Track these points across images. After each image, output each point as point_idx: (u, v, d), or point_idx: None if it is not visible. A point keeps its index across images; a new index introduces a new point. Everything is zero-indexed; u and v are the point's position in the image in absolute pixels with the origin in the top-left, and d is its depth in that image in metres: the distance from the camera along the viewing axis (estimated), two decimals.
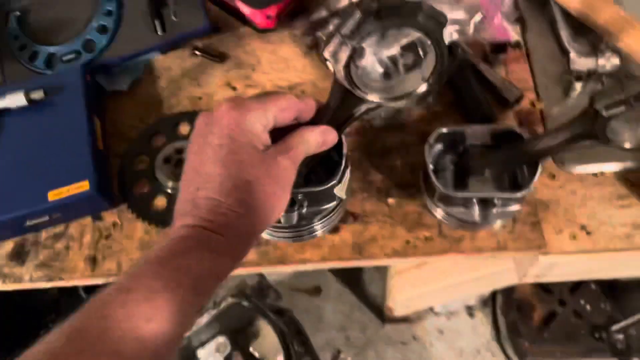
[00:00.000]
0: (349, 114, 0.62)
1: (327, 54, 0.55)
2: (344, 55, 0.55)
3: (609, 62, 0.84)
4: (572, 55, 0.86)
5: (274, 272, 0.76)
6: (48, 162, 0.82)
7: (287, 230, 0.76)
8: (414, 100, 0.63)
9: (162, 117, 0.91)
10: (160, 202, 0.85)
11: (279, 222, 0.71)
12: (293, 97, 0.57)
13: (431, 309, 1.87)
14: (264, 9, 0.93)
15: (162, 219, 0.83)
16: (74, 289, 1.72)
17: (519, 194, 0.72)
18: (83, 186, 0.79)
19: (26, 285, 0.82)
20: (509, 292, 1.78)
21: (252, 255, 0.80)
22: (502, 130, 0.76)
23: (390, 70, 0.65)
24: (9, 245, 0.84)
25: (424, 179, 0.79)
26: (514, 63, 0.91)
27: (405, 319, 1.86)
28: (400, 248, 0.79)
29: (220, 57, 0.96)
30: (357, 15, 0.53)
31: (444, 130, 0.76)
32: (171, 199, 0.84)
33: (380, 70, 0.64)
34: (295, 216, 0.71)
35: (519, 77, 0.90)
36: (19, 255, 0.83)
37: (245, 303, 1.61)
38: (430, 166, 0.74)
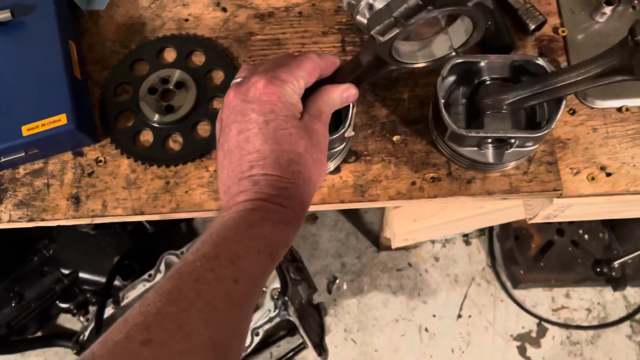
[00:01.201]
0: (374, 73, 0.62)
1: (374, 32, 0.55)
2: (391, 33, 0.54)
3: None
4: None
5: None
6: (20, 93, 0.74)
7: None
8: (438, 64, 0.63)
9: (145, 42, 0.83)
10: (145, 136, 0.78)
11: None
12: (316, 56, 0.57)
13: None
14: None
15: (148, 155, 0.77)
16: None
17: (538, 134, 0.66)
18: (60, 120, 0.72)
19: (5, 225, 0.77)
20: None
21: None
22: (522, 62, 0.69)
23: None
24: None
25: (433, 114, 0.73)
26: None
27: (401, 247, 1.85)
28: (405, 190, 0.74)
29: None
30: (414, 1, 0.52)
31: (459, 60, 0.68)
32: (157, 133, 0.78)
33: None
34: None
35: None
36: None
37: None
38: (442, 101, 0.67)
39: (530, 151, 0.70)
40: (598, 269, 1.45)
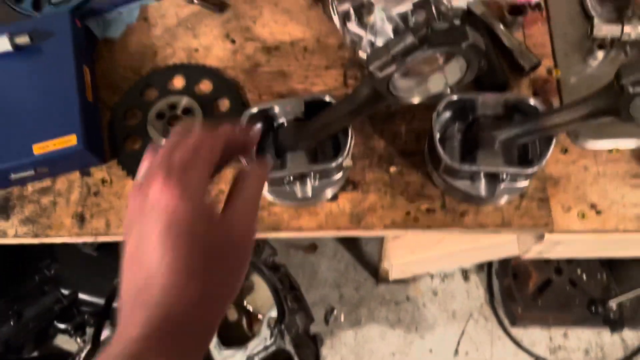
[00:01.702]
0: (372, 106, 0.64)
1: (373, 68, 0.57)
2: (389, 69, 0.57)
3: (635, 30, 0.79)
4: (596, 20, 0.80)
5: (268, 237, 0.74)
6: (34, 114, 0.77)
7: (296, 200, 0.75)
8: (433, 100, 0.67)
9: (156, 69, 0.86)
10: None
11: (293, 193, 0.74)
12: (226, 135, 0.49)
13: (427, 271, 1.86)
14: None
15: None
16: None
17: (529, 170, 0.68)
18: (70, 140, 0.75)
19: (11, 241, 0.79)
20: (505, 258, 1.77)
21: None
22: (515, 101, 0.72)
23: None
24: None
25: (429, 147, 0.75)
26: (533, 26, 0.85)
27: (399, 279, 1.85)
28: (399, 219, 0.76)
29: (219, 7, 0.90)
30: (410, 39, 0.55)
31: (454, 97, 0.71)
32: None
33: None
34: (309, 189, 0.74)
35: (537, 41, 0.84)
36: (3, 210, 0.80)
37: None
38: (437, 135, 0.70)
39: (522, 187, 0.73)
40: (593, 309, 1.45)
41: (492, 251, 1.06)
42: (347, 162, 0.72)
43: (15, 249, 1.85)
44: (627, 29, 0.79)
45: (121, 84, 0.86)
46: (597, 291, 1.67)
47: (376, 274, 1.88)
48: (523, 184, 0.72)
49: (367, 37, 0.82)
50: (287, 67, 0.85)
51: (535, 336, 1.79)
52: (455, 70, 0.63)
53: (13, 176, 0.77)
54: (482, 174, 0.70)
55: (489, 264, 1.86)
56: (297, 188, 0.73)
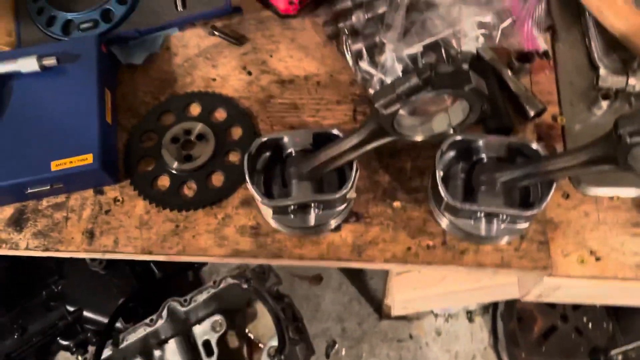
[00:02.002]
0: (377, 141, 0.67)
1: (378, 105, 0.60)
2: (393, 107, 0.60)
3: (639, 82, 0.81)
4: (602, 71, 0.83)
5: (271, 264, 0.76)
6: (54, 131, 0.81)
7: (300, 229, 0.77)
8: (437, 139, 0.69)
9: (174, 96, 0.90)
10: (163, 181, 0.84)
11: (297, 222, 0.76)
12: None
13: (431, 310, 1.85)
14: None
15: (163, 199, 0.82)
16: None
17: (528, 213, 0.70)
18: (87, 159, 0.78)
19: (22, 253, 0.82)
20: (511, 300, 1.76)
21: (249, 244, 0.79)
22: (518, 144, 0.74)
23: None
24: (9, 210, 0.83)
25: (432, 185, 0.77)
26: (540, 73, 0.87)
27: (403, 316, 1.84)
28: (400, 254, 0.77)
29: (238, 40, 0.93)
30: (414, 80, 0.58)
31: (458, 137, 0.73)
32: (174, 179, 0.83)
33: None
34: (312, 218, 0.75)
35: (543, 88, 0.86)
36: (17, 222, 0.83)
37: (244, 285, 1.60)
38: (440, 174, 0.72)
39: (522, 229, 0.74)
40: (595, 359, 1.43)
41: (493, 292, 1.06)
42: (351, 194, 0.74)
43: (26, 263, 1.88)
44: (632, 80, 0.81)
45: (140, 108, 0.89)
46: (602, 340, 1.64)
47: (380, 309, 1.87)
48: (523, 225, 0.73)
49: (377, 75, 0.85)
50: (299, 100, 0.88)
51: None
52: (458, 111, 0.66)
53: (29, 190, 0.80)
54: (482, 214, 0.72)
55: (495, 306, 1.85)
56: (301, 217, 0.75)
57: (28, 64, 0.83)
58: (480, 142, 0.74)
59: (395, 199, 0.80)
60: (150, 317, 1.68)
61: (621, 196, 0.78)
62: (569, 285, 0.78)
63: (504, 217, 0.71)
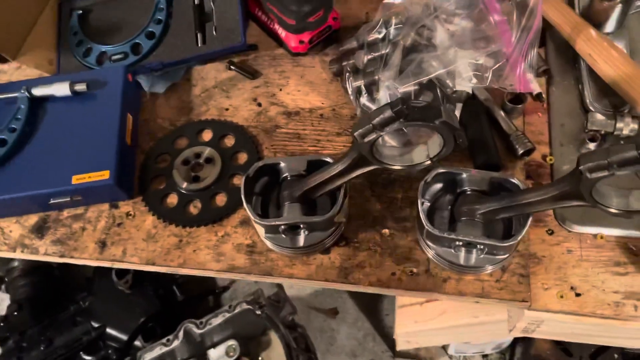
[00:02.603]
0: (359, 169, 0.72)
1: (356, 134, 0.66)
2: (371, 137, 0.66)
3: (627, 127, 0.84)
4: (591, 114, 0.86)
5: (281, 283, 0.80)
6: (78, 149, 0.89)
7: (290, 248, 0.82)
8: (417, 170, 0.74)
9: (189, 122, 0.98)
10: (172, 199, 0.91)
11: (288, 242, 0.80)
12: None
13: (446, 351, 1.84)
14: (298, 35, 0.99)
15: (170, 216, 0.89)
16: (108, 271, 1.82)
17: (503, 244, 0.73)
18: (103, 175, 0.86)
19: (40, 258, 0.90)
20: (527, 346, 1.73)
21: (244, 261, 0.84)
22: (500, 179, 0.77)
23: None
24: (33, 218, 0.92)
25: (417, 214, 0.81)
26: (533, 114, 0.91)
27: (416, 357, 1.83)
28: (385, 279, 0.81)
29: (252, 74, 1.01)
30: (387, 112, 0.63)
31: (441, 170, 0.78)
32: (182, 197, 0.90)
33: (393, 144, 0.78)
34: (302, 239, 0.80)
35: (535, 129, 0.90)
36: (39, 229, 0.91)
37: (258, 312, 1.65)
38: (421, 202, 0.76)
39: (502, 260, 0.76)
40: None
41: (491, 329, 1.07)
42: (339, 217, 0.79)
43: (58, 278, 1.98)
44: (620, 124, 0.84)
45: (158, 132, 0.98)
46: None
47: (394, 347, 1.87)
48: (502, 257, 0.76)
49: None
50: (302, 130, 0.95)
51: None
52: (436, 144, 0.70)
53: (52, 201, 0.89)
54: (459, 243, 0.75)
55: (511, 352, 1.82)
56: (291, 237, 0.81)
57: (61, 89, 0.93)
58: (464, 175, 0.78)
59: (384, 227, 0.85)
60: (167, 337, 1.75)
61: (605, 235, 0.80)
62: (550, 320, 0.79)
63: (482, 247, 0.74)
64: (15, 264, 1.93)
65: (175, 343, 1.71)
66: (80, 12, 1.06)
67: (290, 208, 0.80)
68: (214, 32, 1.00)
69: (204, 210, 0.89)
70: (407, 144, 0.77)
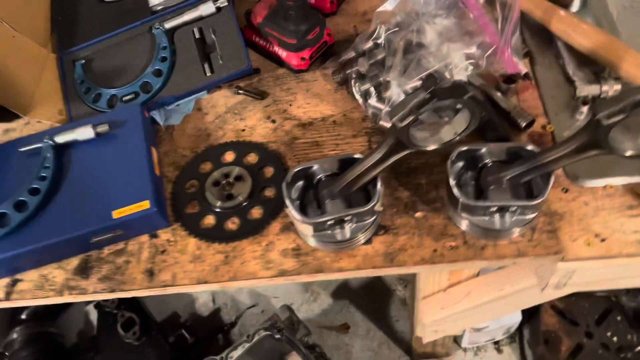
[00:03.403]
0: (395, 155, 0.78)
1: (395, 119, 0.73)
2: (407, 120, 0.72)
3: (612, 88, 0.94)
4: (578, 83, 0.96)
5: (313, 280, 0.83)
6: (112, 186, 0.92)
7: (336, 243, 0.87)
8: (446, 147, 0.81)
9: (210, 147, 1.02)
10: (209, 220, 0.95)
11: (334, 237, 0.85)
12: None
13: (459, 345, 1.89)
14: (299, 52, 1.06)
15: (211, 235, 0.92)
16: (113, 326, 1.80)
17: (534, 202, 0.80)
18: (144, 205, 0.89)
19: (90, 297, 0.91)
20: (535, 325, 1.81)
21: (292, 264, 0.88)
22: (516, 148, 0.85)
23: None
24: (75, 261, 0.93)
25: (447, 193, 0.88)
26: (525, 92, 1.01)
27: (433, 355, 1.88)
28: (428, 256, 0.87)
29: (260, 95, 1.07)
30: (422, 95, 0.71)
31: (463, 148, 0.85)
32: (219, 216, 0.94)
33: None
34: (348, 231, 0.86)
35: (530, 104, 0.99)
36: (83, 270, 0.92)
37: (277, 335, 1.66)
38: (452, 180, 0.83)
39: (531, 219, 0.84)
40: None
41: (518, 299, 1.13)
42: (378, 207, 0.85)
43: (61, 345, 1.93)
44: (605, 87, 0.94)
45: (181, 161, 1.02)
46: (630, 353, 1.68)
47: (410, 351, 1.91)
48: (531, 216, 0.83)
49: (385, 109, 0.98)
50: (319, 138, 1.01)
51: None
52: (461, 121, 0.78)
53: (94, 239, 0.91)
54: (494, 209, 0.82)
55: (520, 334, 1.89)
56: (337, 232, 0.86)
57: (85, 132, 0.96)
58: (484, 150, 0.86)
59: (416, 211, 0.91)
60: None
61: (613, 184, 0.89)
62: (581, 269, 0.87)
63: (514, 209, 0.81)
64: (14, 336, 1.88)
65: None
66: (83, 61, 1.10)
67: (332, 204, 0.85)
68: (220, 61, 1.06)
69: (243, 225, 0.93)
70: (435, 126, 0.85)
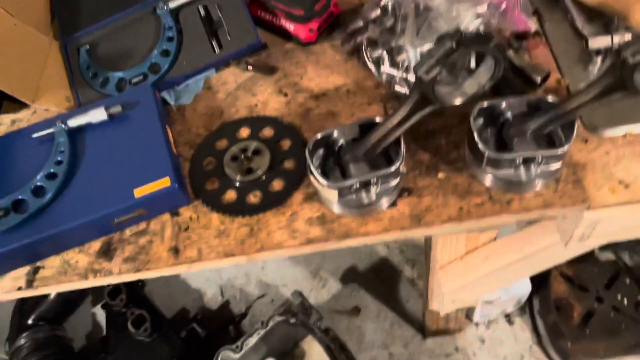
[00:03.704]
0: (419, 112, 0.77)
1: (420, 72, 0.71)
2: (434, 72, 0.71)
3: (623, 38, 0.94)
4: (588, 36, 0.96)
5: (339, 248, 0.83)
6: (131, 165, 0.91)
7: (361, 208, 0.86)
8: (472, 100, 0.80)
9: (224, 124, 1.01)
10: (230, 195, 0.94)
11: (360, 200, 0.85)
12: None
13: (470, 319, 1.90)
14: (307, 24, 1.05)
15: (234, 209, 0.91)
16: (124, 324, 1.78)
17: (560, 151, 0.81)
18: (165, 182, 0.88)
19: (115, 279, 0.90)
20: (545, 294, 1.82)
21: (319, 231, 0.88)
22: (535, 100, 0.86)
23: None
24: (96, 244, 0.92)
25: (469, 150, 0.88)
26: (536, 49, 1.01)
27: (446, 331, 1.89)
28: (455, 215, 0.87)
29: (270, 70, 1.07)
30: (448, 44, 0.69)
31: (485, 104, 0.85)
32: (240, 191, 0.93)
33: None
34: (373, 194, 0.86)
35: (542, 60, 1.00)
36: (106, 253, 0.91)
37: (292, 320, 1.65)
38: (476, 134, 0.83)
39: (556, 170, 0.84)
40: None
41: (538, 259, 1.14)
42: (402, 168, 0.85)
43: (70, 348, 1.91)
44: (617, 38, 0.95)
45: (195, 139, 1.01)
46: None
47: (422, 329, 1.92)
48: (556, 166, 0.83)
49: (399, 74, 0.98)
50: (334, 108, 1.01)
51: None
52: (484, 73, 0.78)
53: (116, 220, 0.89)
54: (520, 160, 0.82)
55: (530, 305, 1.91)
56: (363, 195, 0.85)
57: (98, 114, 0.95)
58: (504, 104, 0.86)
59: (438, 171, 0.91)
60: None
61: (633, 132, 0.90)
62: (606, 217, 0.87)
63: (540, 159, 0.82)
64: (22, 342, 1.85)
65: None
66: (88, 47, 1.09)
67: (356, 168, 0.85)
68: (228, 37, 1.05)
69: (265, 197, 0.92)
70: (456, 81, 0.84)
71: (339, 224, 0.88)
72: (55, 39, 1.12)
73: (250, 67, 1.07)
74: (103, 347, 1.87)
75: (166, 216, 0.93)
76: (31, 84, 1.04)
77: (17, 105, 1.07)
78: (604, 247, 1.81)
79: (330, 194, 0.85)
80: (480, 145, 0.82)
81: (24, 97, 1.02)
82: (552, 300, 1.79)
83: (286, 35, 1.10)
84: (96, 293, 2.05)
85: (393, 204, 0.89)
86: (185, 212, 0.93)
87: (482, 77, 0.78)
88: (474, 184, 0.89)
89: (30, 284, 0.90)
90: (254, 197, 0.93)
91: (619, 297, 1.74)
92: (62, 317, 1.95)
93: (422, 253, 2.07)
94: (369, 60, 1.01)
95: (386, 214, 0.88)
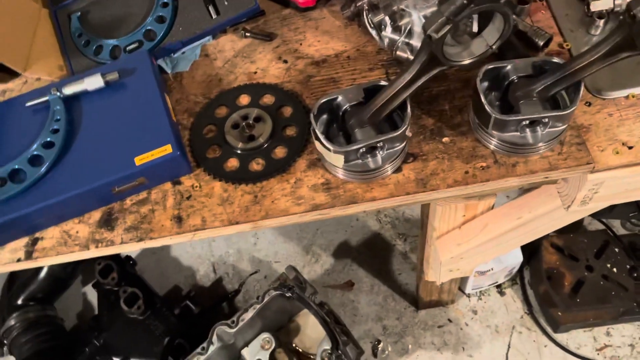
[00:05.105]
0: (426, 73, 0.76)
1: (430, 30, 0.69)
2: (444, 30, 0.69)
3: (625, 1, 0.94)
4: None
5: (344, 215, 0.82)
6: (130, 133, 0.89)
7: (366, 173, 0.86)
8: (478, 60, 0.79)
9: (223, 91, 0.99)
10: (232, 162, 0.92)
11: (365, 165, 0.84)
12: None
13: (462, 291, 1.92)
14: None
15: (236, 177, 0.90)
16: (116, 303, 1.76)
17: (566, 112, 0.80)
18: (166, 149, 0.86)
19: (117, 249, 0.88)
20: (536, 265, 1.85)
21: (324, 198, 0.87)
22: (541, 61, 0.85)
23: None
24: (97, 214, 0.90)
25: (475, 113, 0.87)
26: (537, 13, 1.00)
27: (438, 303, 1.90)
28: (460, 178, 0.86)
29: (268, 37, 1.04)
30: (460, 1, 0.68)
31: (490, 66, 0.85)
32: (242, 158, 0.92)
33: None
34: (379, 159, 0.85)
35: (544, 24, 0.99)
36: (107, 222, 0.89)
37: (288, 294, 1.65)
38: (482, 96, 0.82)
39: (561, 132, 0.84)
40: (635, 275, 1.52)
41: (537, 226, 1.15)
42: (408, 132, 0.84)
43: (61, 327, 1.89)
44: (618, 1, 0.94)
45: (194, 107, 0.99)
46: (629, 281, 1.73)
47: (415, 301, 1.93)
48: (561, 128, 0.83)
49: (401, 39, 0.96)
50: (335, 74, 0.99)
51: (579, 339, 1.83)
52: (492, 32, 0.77)
53: (116, 189, 0.87)
54: (526, 122, 0.82)
55: (521, 276, 1.93)
56: (368, 160, 0.85)
57: (94, 82, 0.92)
58: (509, 67, 0.86)
59: (443, 136, 0.90)
60: (202, 346, 1.71)
61: (635, 93, 0.90)
62: (609, 179, 0.88)
63: (546, 120, 0.81)
64: (12, 322, 1.82)
65: (212, 349, 1.69)
66: (79, 14, 1.05)
67: (362, 132, 0.84)
68: (225, 2, 1.02)
69: (268, 164, 0.91)
70: (464, 42, 0.84)
71: (344, 189, 0.88)
72: (44, 6, 1.08)
73: (247, 34, 1.04)
74: (96, 326, 1.86)
75: (167, 185, 0.91)
76: (22, 51, 1.01)
77: (7, 75, 1.03)
78: (594, 215, 1.84)
79: (336, 160, 0.84)
80: (487, 107, 0.81)
81: (14, 65, 0.98)
82: (543, 270, 1.81)
83: (283, 1, 1.07)
84: (87, 272, 2.02)
85: (398, 169, 0.88)
86: (187, 181, 0.91)
87: (490, 36, 0.77)
88: (478, 148, 0.89)
89: (29, 255, 0.88)
90: (256, 165, 0.92)
91: (609, 265, 1.77)
92: (53, 297, 1.92)
93: (414, 227, 2.08)
94: (370, 25, 0.99)
95: (391, 179, 0.88)
